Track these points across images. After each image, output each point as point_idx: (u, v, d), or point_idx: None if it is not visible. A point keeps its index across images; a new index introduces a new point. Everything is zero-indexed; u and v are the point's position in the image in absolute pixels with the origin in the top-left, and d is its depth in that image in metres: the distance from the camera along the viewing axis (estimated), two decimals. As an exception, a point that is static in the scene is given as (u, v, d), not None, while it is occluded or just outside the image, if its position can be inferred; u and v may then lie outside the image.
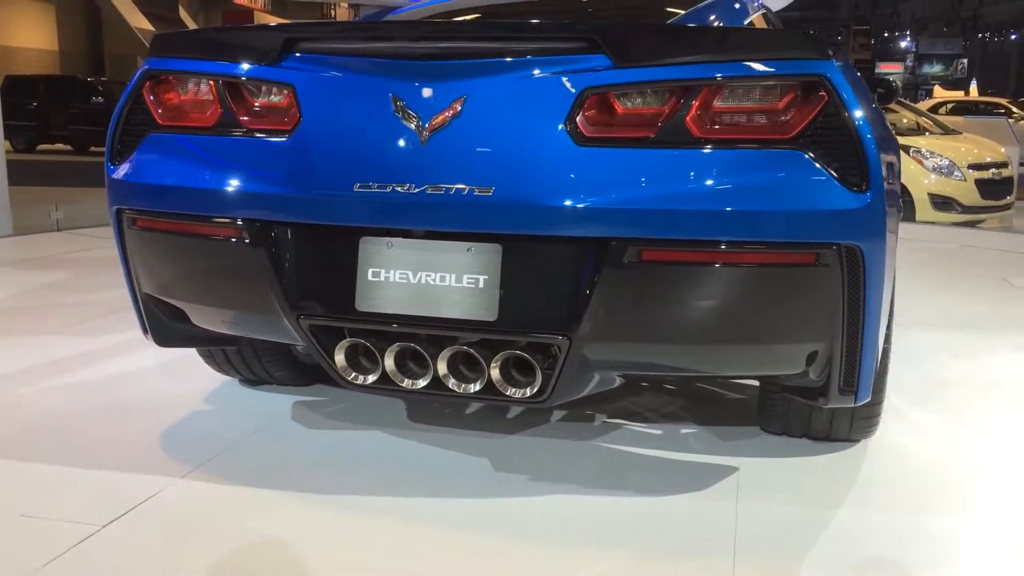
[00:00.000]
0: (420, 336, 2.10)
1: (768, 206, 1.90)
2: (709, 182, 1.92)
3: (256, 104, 2.19)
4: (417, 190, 1.98)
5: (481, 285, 2.03)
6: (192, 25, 21.06)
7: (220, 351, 2.79)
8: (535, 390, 2.07)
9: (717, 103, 1.96)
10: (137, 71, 2.33)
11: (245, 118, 2.18)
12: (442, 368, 2.09)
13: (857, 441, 2.59)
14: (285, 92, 2.14)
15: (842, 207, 1.90)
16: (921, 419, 2.83)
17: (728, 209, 1.91)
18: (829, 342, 2.04)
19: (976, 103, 19.32)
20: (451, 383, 2.11)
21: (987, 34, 44.55)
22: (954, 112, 16.21)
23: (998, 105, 18.68)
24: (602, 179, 1.94)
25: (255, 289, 2.18)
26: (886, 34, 49.24)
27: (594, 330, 1.98)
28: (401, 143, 2.01)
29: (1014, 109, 18.33)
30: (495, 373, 2.07)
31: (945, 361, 3.43)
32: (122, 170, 2.28)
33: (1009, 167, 7.73)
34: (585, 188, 1.94)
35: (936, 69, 40.12)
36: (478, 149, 1.99)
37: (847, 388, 2.10)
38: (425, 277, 2.07)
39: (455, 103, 2.00)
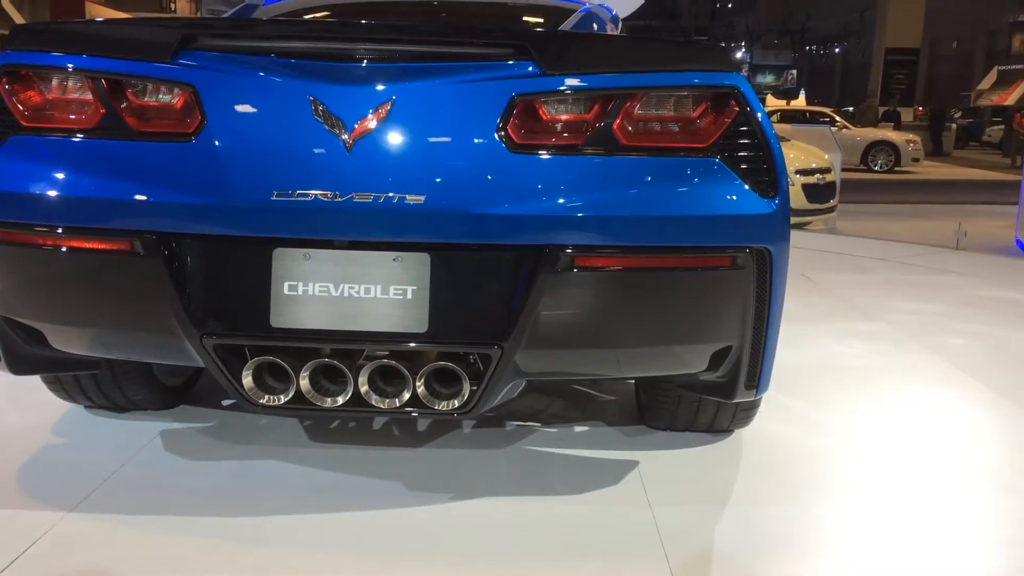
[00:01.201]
0: (339, 351, 2.00)
1: (690, 211, 1.97)
2: (635, 189, 1.97)
3: (147, 105, 2.01)
4: (343, 198, 1.89)
5: (410, 296, 1.98)
6: (15, 14, 19.74)
7: (71, 376, 2.54)
8: (463, 401, 2.02)
9: (641, 112, 2.01)
10: None
11: (134, 120, 1.99)
12: (363, 383, 2.01)
13: (732, 431, 2.74)
14: (184, 92, 1.97)
15: (755, 212, 2.00)
16: (786, 403, 3.07)
17: (654, 215, 1.96)
18: (740, 339, 2.13)
19: (803, 112, 20.51)
20: (373, 399, 2.02)
21: (814, 47, 47.40)
22: (783, 120, 17.15)
23: (823, 114, 19.93)
24: (533, 186, 1.94)
25: (148, 307, 2.00)
26: (723, 44, 51.55)
27: (526, 338, 1.98)
28: (324, 149, 1.92)
29: (837, 118, 19.58)
30: (420, 386, 2.01)
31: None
32: None
33: (832, 172, 8.23)
34: (517, 195, 1.93)
35: (768, 79, 42.42)
36: (407, 155, 1.92)
37: (750, 383, 2.20)
38: (348, 289, 1.98)
39: (381, 107, 1.93)
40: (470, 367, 2.04)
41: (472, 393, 2.02)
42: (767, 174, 2.02)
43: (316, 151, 1.91)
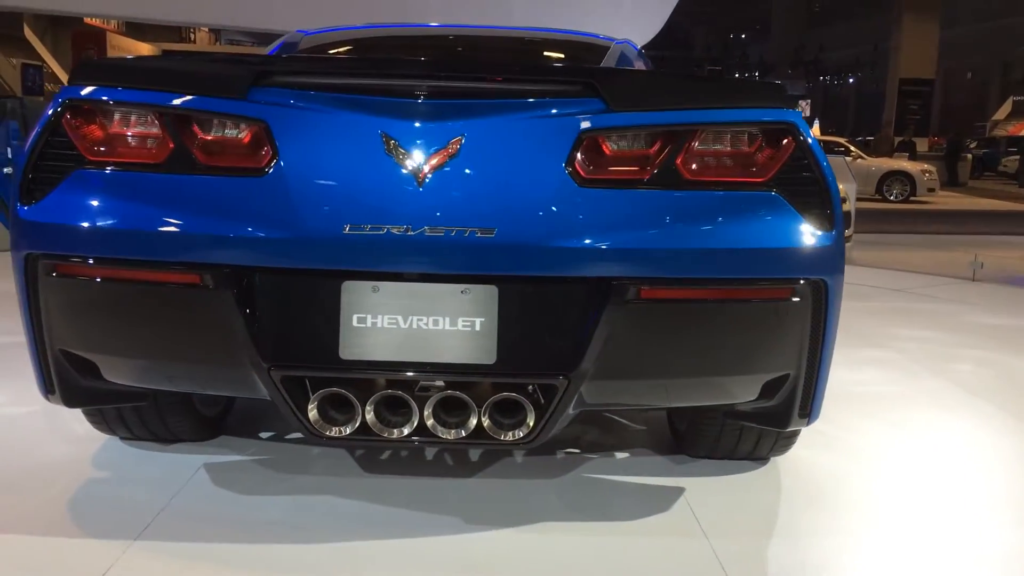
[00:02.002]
0: (404, 382, 2.01)
1: (751, 244, 2.02)
2: (698, 222, 2.02)
3: (219, 140, 2.02)
4: (415, 232, 1.92)
5: (478, 328, 2.01)
6: (38, 44, 20.05)
7: (114, 408, 2.52)
8: (526, 431, 2.03)
9: (703, 147, 2.06)
10: (54, 99, 2.07)
11: (205, 155, 2.00)
12: (427, 414, 2.02)
13: (768, 459, 2.75)
14: (256, 128, 1.99)
15: (813, 244, 2.05)
16: (816, 428, 2.96)
17: (717, 248, 2.00)
18: (796, 369, 2.15)
19: (818, 141, 20.50)
20: (438, 430, 2.03)
21: (827, 77, 47.54)
22: (798, 150, 17.12)
23: (837, 144, 19.94)
24: (601, 220, 1.98)
25: (217, 339, 2.02)
26: (736, 75, 51.82)
27: (593, 369, 2.00)
28: (396, 183, 1.94)
29: (852, 148, 19.59)
30: (485, 417, 2.02)
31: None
32: (37, 211, 2.03)
33: (847, 202, 8.23)
34: (585, 229, 1.97)
35: (783, 109, 42.29)
36: (478, 190, 1.96)
37: (803, 411, 2.23)
38: (417, 321, 2.00)
39: (453, 143, 1.96)
40: (530, 397, 2.05)
41: (535, 424, 2.03)
42: (824, 207, 2.08)
43: (388, 186, 1.94)
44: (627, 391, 2.15)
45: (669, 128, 2.03)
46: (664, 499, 2.49)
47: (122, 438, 2.75)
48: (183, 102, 2.01)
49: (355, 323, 2.00)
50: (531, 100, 2.02)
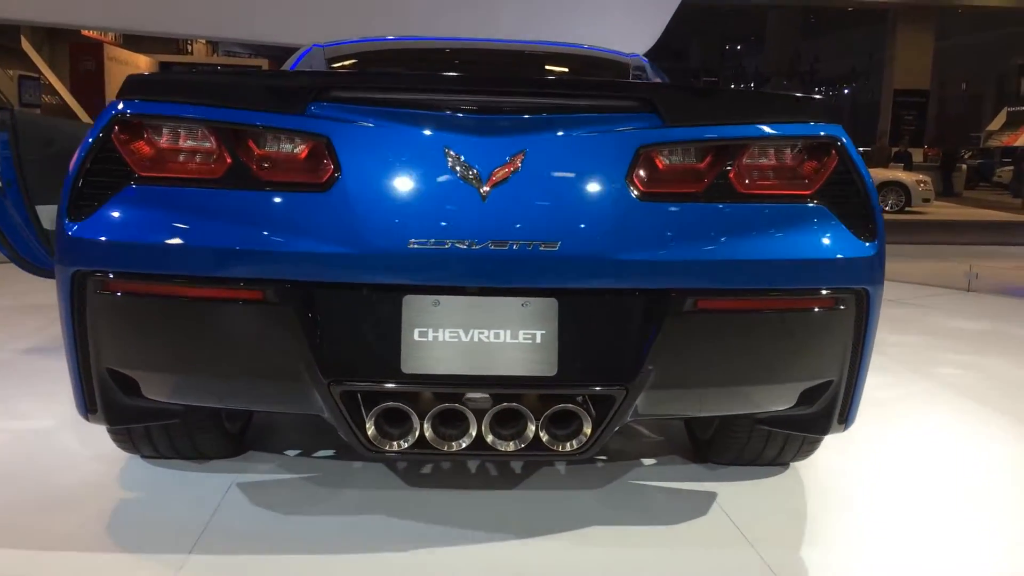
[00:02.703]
0: (465, 396, 2.03)
1: (801, 255, 2.08)
2: (751, 234, 2.07)
3: (279, 156, 2.02)
4: (479, 246, 1.94)
5: (539, 340, 2.03)
6: (35, 56, 20.07)
7: (142, 427, 2.50)
8: (582, 442, 2.06)
9: (753, 161, 2.11)
10: (102, 115, 2.04)
11: (264, 170, 2.00)
12: (485, 427, 2.03)
13: (788, 465, 2.82)
14: (318, 143, 1.99)
15: (858, 255, 2.12)
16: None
17: (769, 259, 2.06)
18: (839, 375, 2.21)
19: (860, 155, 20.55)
20: (497, 443, 2.05)
21: (823, 88, 47.71)
22: (794, 160, 17.18)
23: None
24: (658, 232, 2.02)
25: (277, 355, 2.01)
26: (732, 86, 52.02)
27: (651, 379, 2.04)
28: (459, 198, 1.96)
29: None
30: (542, 428, 2.04)
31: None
32: (87, 227, 2.00)
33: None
34: (644, 241, 2.01)
35: (778, 119, 42.37)
36: (540, 204, 1.99)
37: (842, 417, 2.30)
38: (478, 335, 2.02)
39: (515, 158, 1.99)
40: (586, 408, 2.07)
41: (591, 434, 2.05)
42: (867, 218, 2.15)
43: (452, 200, 1.96)
44: (680, 400, 2.19)
45: (721, 142, 2.08)
46: (698, 505, 2.53)
47: (143, 456, 2.72)
48: (241, 117, 2.00)
49: (416, 337, 2.01)
50: (590, 115, 2.06)
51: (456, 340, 2.01)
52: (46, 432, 3.04)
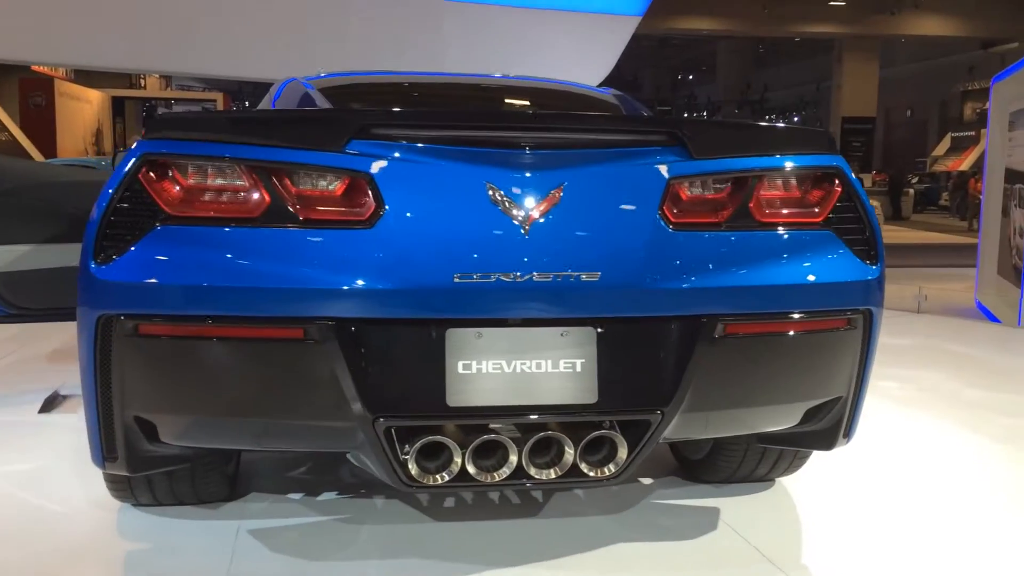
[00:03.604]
0: (508, 426, 2.05)
1: (817, 279, 2.20)
2: (772, 260, 2.17)
3: (319, 194, 2.01)
4: (523, 278, 1.97)
5: (579, 369, 2.07)
6: (-16, 92, 19.80)
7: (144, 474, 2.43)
8: (620, 466, 2.09)
9: (769, 191, 2.21)
10: (128, 155, 2.00)
11: (305, 209, 1.99)
12: (525, 457, 2.04)
13: (774, 480, 2.95)
14: (358, 181, 2.00)
15: (865, 278, 2.26)
16: None
17: (791, 283, 2.18)
18: (847, 392, 2.31)
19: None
20: (533, 472, 2.06)
21: (773, 116, 48.63)
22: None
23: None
24: (689, 261, 2.10)
25: (320, 393, 1.98)
26: (685, 115, 52.84)
27: (685, 403, 2.10)
28: (502, 232, 2.00)
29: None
30: (581, 455, 2.07)
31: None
32: (116, 270, 1.96)
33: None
34: (677, 270, 2.08)
35: (731, 147, 42.95)
36: (580, 236, 2.03)
37: (847, 432, 2.41)
38: (520, 365, 2.04)
39: (554, 192, 2.03)
40: (633, 434, 2.11)
41: (626, 459, 2.09)
42: (871, 244, 2.27)
43: (495, 235, 2.00)
44: (708, 423, 2.26)
45: (741, 174, 2.18)
46: (706, 523, 2.63)
47: (135, 505, 2.66)
48: (280, 156, 1.99)
49: (460, 370, 2.03)
50: (623, 150, 2.13)
51: (499, 371, 2.04)
52: (27, 480, 2.98)
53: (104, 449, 2.11)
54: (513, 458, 2.03)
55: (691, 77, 51.18)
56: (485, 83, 3.71)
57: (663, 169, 2.12)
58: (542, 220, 2.01)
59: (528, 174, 2.04)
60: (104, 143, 23.51)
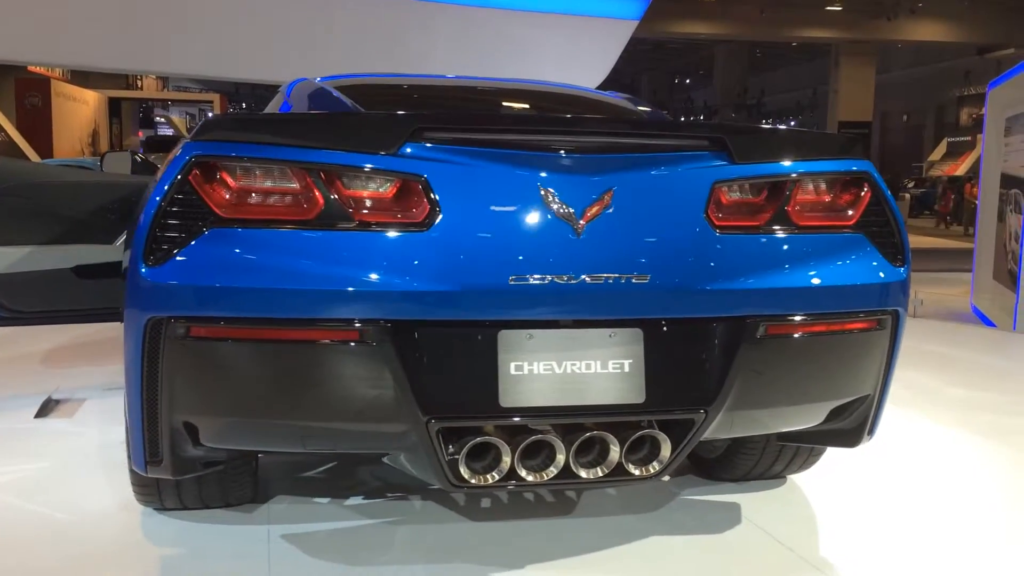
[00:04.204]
0: (558, 426, 2.06)
1: (852, 280, 2.26)
2: (811, 261, 2.23)
3: (373, 196, 2.02)
4: (576, 280, 2.00)
5: (627, 369, 2.10)
6: (-20, 92, 19.77)
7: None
8: (662, 465, 2.13)
9: (806, 195, 2.26)
10: (178, 157, 1.99)
11: (360, 211, 1.99)
12: (572, 456, 2.06)
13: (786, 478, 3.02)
14: (413, 183, 2.00)
15: (894, 279, 2.32)
16: None
17: (830, 285, 2.23)
18: (874, 389, 2.39)
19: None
20: (581, 471, 2.08)
21: (769, 120, 48.71)
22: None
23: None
24: (733, 263, 2.14)
25: (376, 395, 1.98)
26: (681, 119, 52.83)
27: (728, 402, 2.14)
28: (555, 235, 2.02)
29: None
30: (625, 454, 2.09)
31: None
32: (167, 272, 1.95)
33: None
34: (722, 272, 2.12)
35: (727, 151, 42.98)
36: (629, 238, 2.07)
37: (872, 429, 2.46)
38: (570, 366, 2.07)
39: (605, 195, 2.06)
40: (676, 432, 2.15)
41: (669, 457, 2.13)
42: (899, 246, 2.34)
43: (548, 237, 2.02)
44: (745, 421, 2.30)
45: (780, 178, 2.23)
46: (727, 519, 2.70)
47: (156, 509, 2.64)
48: (333, 158, 1.99)
49: (513, 371, 2.04)
50: (669, 154, 2.16)
51: (550, 372, 2.06)
52: (36, 487, 2.94)
53: (147, 453, 2.09)
54: (560, 458, 2.05)
55: (688, 81, 51.28)
56: (508, 87, 3.71)
57: (707, 173, 2.16)
58: (593, 223, 2.04)
59: (579, 177, 2.06)
60: (100, 143, 23.50)
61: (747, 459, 2.85)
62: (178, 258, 1.96)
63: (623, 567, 2.38)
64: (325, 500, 2.80)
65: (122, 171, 4.40)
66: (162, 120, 30.34)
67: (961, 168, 27.59)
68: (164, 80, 29.49)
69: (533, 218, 2.02)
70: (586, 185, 2.06)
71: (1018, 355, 5.88)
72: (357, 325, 1.96)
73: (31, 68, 19.81)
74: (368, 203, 2.02)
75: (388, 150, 2.01)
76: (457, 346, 2.04)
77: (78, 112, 22.40)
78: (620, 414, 2.10)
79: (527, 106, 3.50)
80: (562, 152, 2.08)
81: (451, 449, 2.02)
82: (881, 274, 2.29)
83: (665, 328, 2.14)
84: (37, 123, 19.07)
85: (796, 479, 3.04)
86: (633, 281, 2.04)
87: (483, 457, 2.06)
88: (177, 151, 2.07)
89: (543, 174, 2.04)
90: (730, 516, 2.73)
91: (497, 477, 2.04)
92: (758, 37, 31.84)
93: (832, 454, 3.16)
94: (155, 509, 2.65)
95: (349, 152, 2.01)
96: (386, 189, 2.03)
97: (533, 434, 2.03)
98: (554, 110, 3.41)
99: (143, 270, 1.96)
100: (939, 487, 3.11)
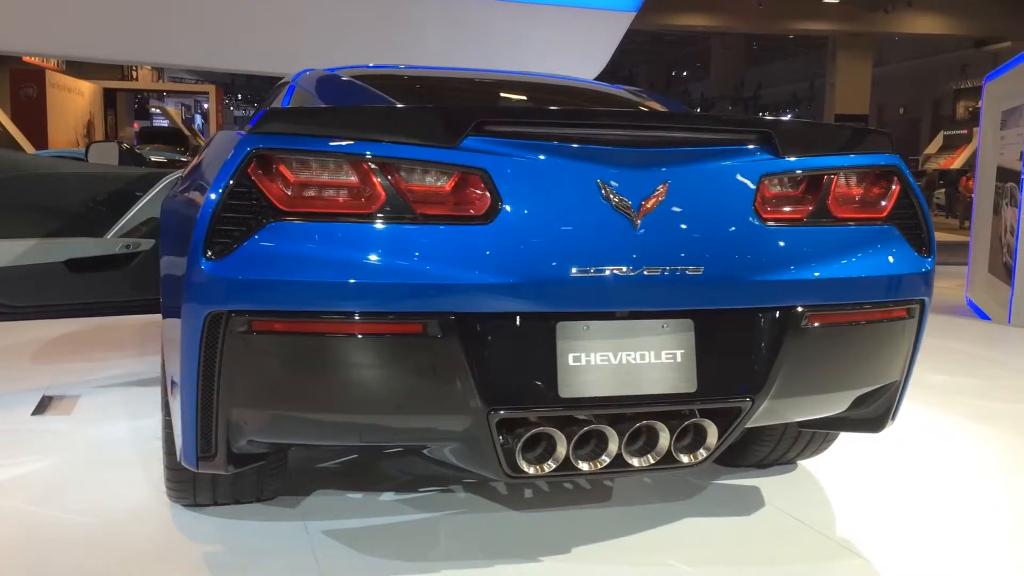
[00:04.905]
0: (612, 416, 2.10)
1: (887, 271, 2.35)
2: (850, 253, 2.30)
3: (435, 190, 2.02)
4: (635, 272, 2.03)
5: (679, 359, 2.15)
6: (-25, 83, 19.68)
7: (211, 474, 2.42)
8: (709, 452, 2.18)
9: (844, 188, 2.32)
10: (237, 149, 1.97)
11: (420, 204, 2.00)
12: (623, 445, 2.10)
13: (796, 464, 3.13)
14: (475, 177, 2.02)
15: (922, 269, 2.41)
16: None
17: (870, 275, 2.31)
18: (900, 376, 2.49)
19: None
20: (634, 460, 2.13)
21: (766, 113, 48.70)
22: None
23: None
24: (779, 254, 2.21)
25: (435, 388, 2.00)
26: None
27: (774, 390, 2.20)
28: (614, 228, 2.05)
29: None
30: (677, 442, 2.15)
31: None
32: (228, 266, 1.95)
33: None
34: (769, 263, 2.19)
35: (724, 144, 42.92)
36: (684, 231, 2.11)
37: (895, 414, 2.55)
38: (625, 357, 2.11)
39: (660, 188, 2.10)
40: (723, 420, 2.20)
41: (715, 445, 2.18)
42: (926, 237, 2.43)
43: (608, 230, 2.05)
44: (787, 408, 2.36)
45: (820, 171, 2.28)
46: (750, 503, 2.80)
47: (185, 505, 2.63)
48: (394, 152, 2.00)
49: (571, 362, 2.07)
50: (720, 148, 2.20)
51: (606, 363, 2.10)
52: (54, 487, 2.91)
53: (199, 448, 2.10)
54: (612, 446, 2.09)
55: (685, 73, 51.22)
56: (531, 81, 3.68)
57: (755, 166, 2.21)
58: (650, 216, 2.08)
59: (636, 171, 2.10)
60: (96, 135, 23.43)
61: (764, 446, 2.93)
62: (240, 252, 1.96)
63: (667, 554, 2.45)
64: (358, 495, 2.80)
65: (109, 162, 4.37)
66: (157, 111, 30.24)
67: (957, 161, 27.58)
68: (160, 71, 29.38)
69: (592, 211, 2.06)
70: (642, 178, 2.10)
71: (1009, 348, 5.91)
72: (422, 318, 1.97)
73: (26, 59, 19.73)
74: (429, 196, 2.03)
75: (449, 143, 2.02)
76: (518, 337, 2.07)
77: (73, 103, 22.33)
78: (673, 403, 2.14)
79: (559, 100, 3.49)
80: (619, 146, 2.11)
81: (506, 440, 2.04)
82: (912, 264, 2.38)
83: (714, 318, 2.19)
84: (32, 114, 19.00)
85: (803, 463, 3.14)
86: (688, 272, 2.09)
87: (534, 447, 2.08)
88: (224, 142, 2.09)
89: (601, 168, 2.08)
90: (754, 501, 2.82)
91: (553, 467, 2.07)
92: (755, 29, 31.79)
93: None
94: (184, 506, 2.64)
95: (410, 145, 2.01)
96: (447, 182, 2.04)
97: (588, 424, 2.07)
98: (583, 104, 3.40)
99: (203, 265, 1.96)
100: (934, 467, 3.29)
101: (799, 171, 2.27)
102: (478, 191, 2.03)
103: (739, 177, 2.20)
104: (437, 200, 2.03)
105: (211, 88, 27.34)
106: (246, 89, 44.13)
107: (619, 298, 2.09)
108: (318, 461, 3.10)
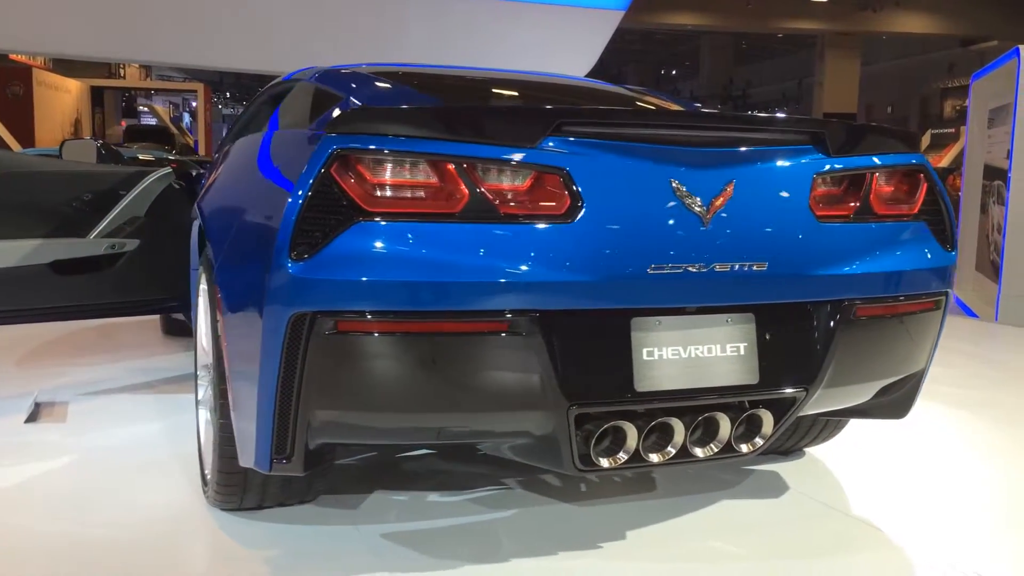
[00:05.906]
0: (677, 408, 2.15)
1: (924, 265, 2.48)
2: (891, 248, 2.43)
3: (518, 189, 2.05)
4: (706, 268, 2.10)
5: (742, 352, 2.24)
6: (-39, 81, 19.54)
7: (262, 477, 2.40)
8: (764, 440, 2.26)
9: (883, 186, 2.46)
10: (319, 150, 1.97)
11: (503, 204, 2.01)
12: (689, 437, 2.17)
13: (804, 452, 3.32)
14: (556, 176, 2.04)
15: (948, 263, 2.55)
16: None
17: (908, 268, 2.44)
18: (925, 365, 2.64)
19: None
20: (697, 450, 2.20)
21: (755, 111, 48.76)
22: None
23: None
24: (832, 250, 2.32)
25: (519, 385, 2.02)
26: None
27: (825, 381, 2.33)
28: (687, 225, 2.13)
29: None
30: (735, 432, 2.22)
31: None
32: (314, 267, 1.95)
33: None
34: (825, 258, 2.30)
35: (713, 142, 42.94)
36: (750, 228, 2.19)
37: (915, 401, 2.69)
38: (694, 350, 2.18)
39: (727, 187, 2.17)
40: (779, 411, 2.29)
41: (770, 434, 2.26)
42: (951, 232, 2.56)
43: (681, 228, 2.13)
44: (831, 397, 2.45)
45: (863, 170, 2.41)
46: (773, 488, 2.92)
47: (224, 509, 2.60)
48: (476, 151, 2.01)
49: (645, 356, 2.13)
50: (777, 148, 2.29)
51: (677, 357, 2.17)
52: (74, 496, 2.83)
53: (274, 450, 2.09)
54: (678, 438, 2.16)
55: (674, 72, 51.26)
56: (554, 82, 3.69)
57: (810, 166, 2.31)
58: (719, 214, 2.16)
59: (705, 171, 2.17)
60: (83, 133, 23.30)
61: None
62: (324, 253, 1.96)
63: (718, 540, 2.54)
64: (403, 496, 2.78)
65: (86, 160, 4.30)
66: (145, 109, 30.10)
67: (945, 160, 27.72)
68: (147, 69, 29.23)
69: (667, 210, 2.12)
70: (711, 178, 2.17)
71: (995, 344, 5.94)
72: (507, 316, 2.01)
73: (13, 57, 19.60)
74: (512, 196, 2.06)
75: (529, 143, 2.06)
76: (597, 334, 2.12)
77: (60, 101, 22.19)
78: (739, 395, 2.23)
79: (605, 101, 3.45)
80: (690, 146, 2.19)
81: (579, 434, 2.08)
82: (940, 258, 2.51)
83: (773, 312, 2.29)
84: (19, 112, 18.87)
85: (812, 451, 3.31)
86: (753, 268, 2.18)
87: (603, 440, 2.12)
88: (295, 142, 2.18)
89: (673, 168, 2.14)
90: (779, 488, 2.96)
91: (624, 459, 2.11)
92: (744, 28, 31.84)
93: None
94: (223, 510, 2.60)
95: (491, 145, 2.03)
96: (528, 182, 2.07)
97: (658, 417, 2.12)
98: (631, 105, 3.38)
99: (288, 266, 1.95)
100: (930, 453, 3.50)
101: (847, 170, 2.37)
102: (559, 190, 2.07)
103: (795, 176, 2.29)
104: (519, 199, 2.06)
105: (199, 86, 27.21)
106: (234, 87, 43.97)
107: (690, 293, 2.17)
108: (339, 459, 3.06)
